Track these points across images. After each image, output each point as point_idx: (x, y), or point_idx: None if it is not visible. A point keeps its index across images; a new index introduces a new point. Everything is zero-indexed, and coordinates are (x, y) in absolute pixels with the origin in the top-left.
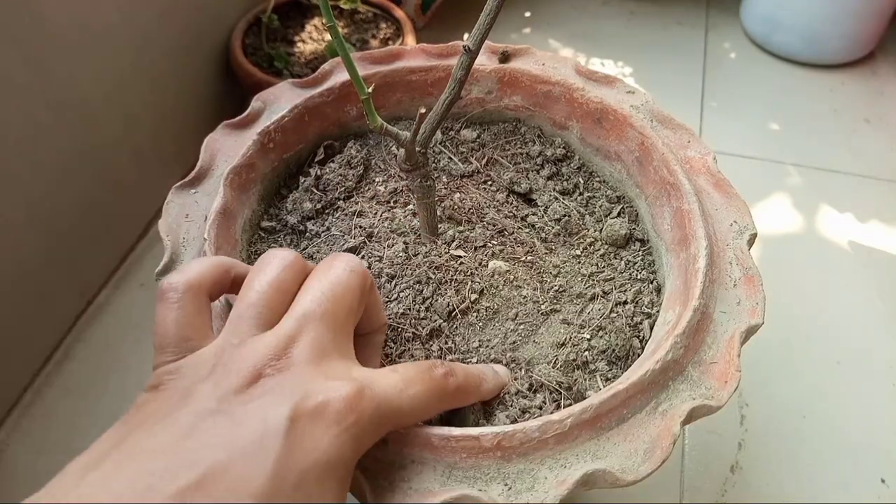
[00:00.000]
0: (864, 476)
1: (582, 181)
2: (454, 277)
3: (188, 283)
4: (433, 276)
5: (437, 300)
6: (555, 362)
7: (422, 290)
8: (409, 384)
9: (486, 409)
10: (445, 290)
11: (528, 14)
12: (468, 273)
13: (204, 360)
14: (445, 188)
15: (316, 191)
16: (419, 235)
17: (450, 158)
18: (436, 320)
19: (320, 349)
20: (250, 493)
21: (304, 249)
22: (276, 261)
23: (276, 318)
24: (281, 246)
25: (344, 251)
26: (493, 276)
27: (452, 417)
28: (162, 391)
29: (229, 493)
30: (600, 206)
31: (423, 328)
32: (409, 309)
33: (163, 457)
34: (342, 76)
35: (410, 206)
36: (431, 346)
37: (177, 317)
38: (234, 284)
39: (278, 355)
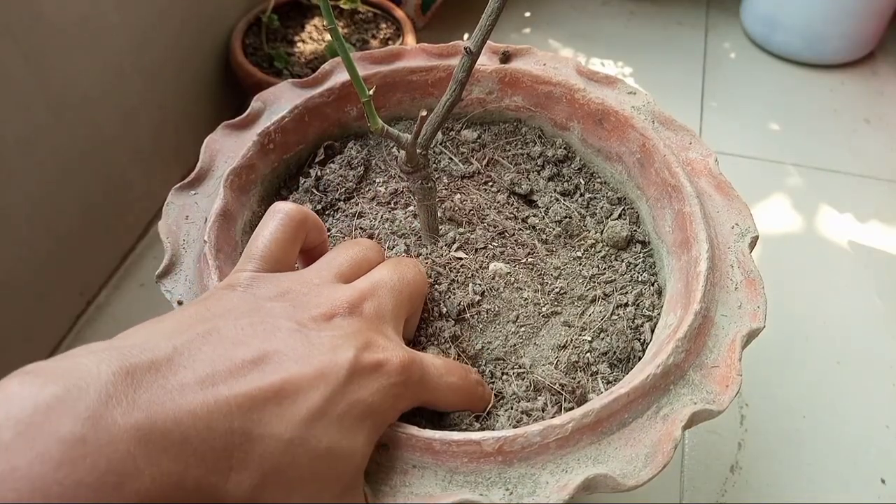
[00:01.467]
0: (864, 476)
1: (583, 182)
2: (455, 279)
3: (301, 212)
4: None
5: (448, 299)
6: (556, 364)
7: (433, 291)
8: (449, 373)
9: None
10: (453, 290)
11: (528, 14)
12: (469, 275)
13: (280, 283)
14: (446, 189)
15: (316, 192)
16: (420, 237)
17: (450, 159)
18: (443, 322)
19: (382, 313)
20: (308, 406)
21: None
22: (366, 242)
23: (351, 280)
24: None
25: None
26: (494, 278)
27: (443, 417)
28: (237, 293)
29: (292, 401)
30: (601, 208)
31: (439, 330)
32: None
33: (243, 348)
34: (342, 76)
35: (411, 208)
36: (448, 348)
37: (275, 233)
38: (314, 252)
39: (352, 305)
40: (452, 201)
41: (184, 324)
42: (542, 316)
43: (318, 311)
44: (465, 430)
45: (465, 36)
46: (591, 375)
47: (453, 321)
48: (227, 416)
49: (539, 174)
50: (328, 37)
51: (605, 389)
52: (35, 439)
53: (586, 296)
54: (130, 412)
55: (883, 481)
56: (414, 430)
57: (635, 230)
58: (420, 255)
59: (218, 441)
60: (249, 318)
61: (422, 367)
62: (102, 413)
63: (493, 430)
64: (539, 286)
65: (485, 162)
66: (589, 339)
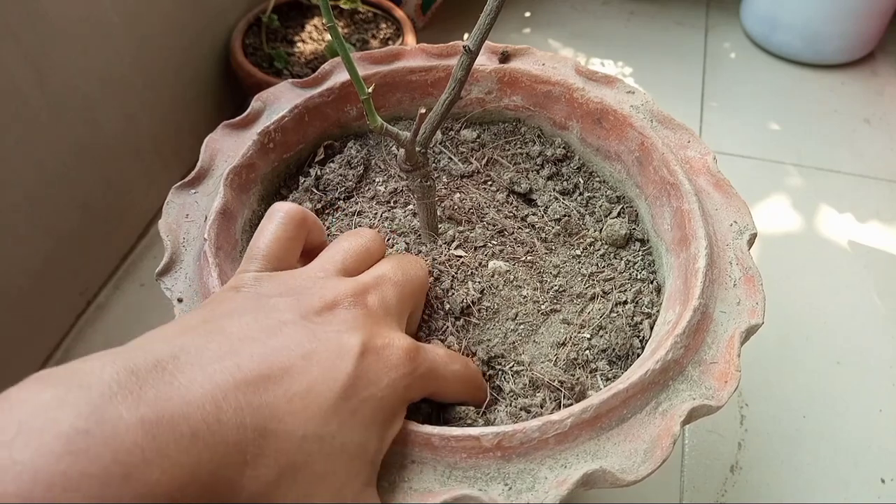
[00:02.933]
0: (864, 476)
1: (582, 181)
2: (455, 277)
3: (300, 212)
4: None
5: (451, 297)
6: (555, 361)
7: (431, 287)
8: (452, 361)
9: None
10: (455, 288)
11: (528, 14)
12: (469, 273)
13: (285, 280)
14: (445, 188)
15: (316, 191)
16: (419, 235)
17: (450, 158)
18: (447, 320)
19: (386, 307)
20: (319, 404)
21: None
22: (369, 233)
23: (354, 274)
24: None
25: None
26: (493, 275)
27: (448, 412)
28: (242, 293)
29: (302, 398)
30: (600, 206)
31: (442, 328)
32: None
33: (250, 344)
34: (342, 76)
35: (410, 207)
36: (451, 346)
37: (276, 233)
38: (314, 253)
39: (356, 296)
40: (452, 200)
41: (188, 326)
42: (542, 313)
43: (322, 304)
44: (467, 425)
45: (465, 36)
46: (591, 372)
47: (455, 318)
48: (237, 411)
49: (538, 173)
50: (328, 37)
51: (605, 386)
52: (35, 434)
53: (585, 293)
54: (136, 407)
55: (883, 481)
56: (413, 426)
57: (634, 228)
58: (420, 252)
59: (230, 435)
60: (254, 315)
61: (427, 357)
62: (106, 408)
63: (493, 425)
64: (538, 284)
65: (484, 161)
66: (588, 336)
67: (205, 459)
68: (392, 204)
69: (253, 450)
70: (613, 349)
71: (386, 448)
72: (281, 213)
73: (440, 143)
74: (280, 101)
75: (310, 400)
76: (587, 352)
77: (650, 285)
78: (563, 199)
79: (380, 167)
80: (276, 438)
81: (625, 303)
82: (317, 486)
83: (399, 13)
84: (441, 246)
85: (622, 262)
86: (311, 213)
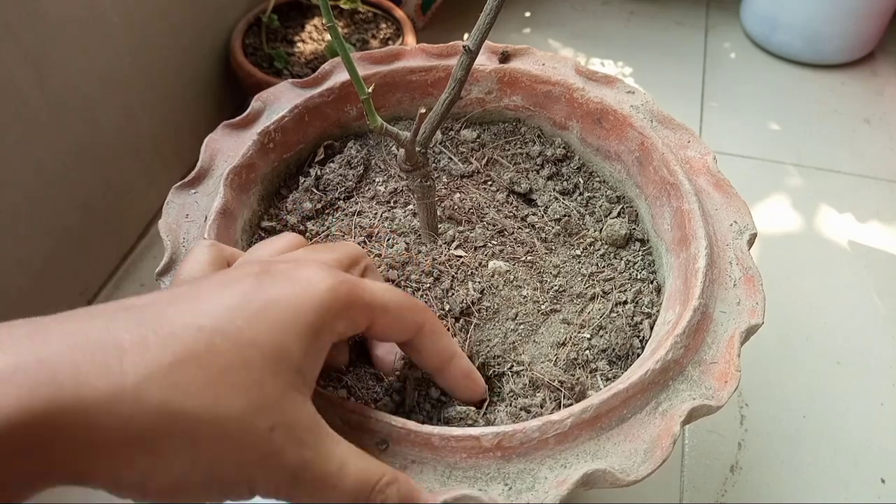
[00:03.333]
0: (864, 476)
1: (582, 181)
2: (455, 277)
3: (216, 242)
4: (436, 276)
5: (451, 296)
6: (555, 361)
7: (431, 287)
8: (387, 286)
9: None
10: (455, 288)
11: (528, 14)
12: (469, 273)
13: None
14: (445, 188)
15: (316, 191)
16: (419, 235)
17: (450, 158)
18: (444, 319)
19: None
20: (217, 304)
21: None
22: (288, 235)
23: None
24: None
25: None
26: (493, 275)
27: (449, 411)
28: None
29: (192, 300)
30: (600, 206)
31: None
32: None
33: (143, 298)
34: (342, 76)
35: (410, 206)
36: None
37: (199, 258)
38: None
39: (265, 262)
40: (452, 200)
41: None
42: (542, 313)
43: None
44: (467, 425)
45: (465, 36)
46: (591, 372)
47: (455, 319)
48: (104, 314)
49: (538, 173)
50: (328, 37)
51: (605, 386)
52: None
53: (585, 293)
54: None
55: (883, 481)
56: (413, 426)
57: (634, 228)
58: (420, 252)
59: (93, 330)
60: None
61: (348, 276)
62: None
63: (493, 425)
64: (538, 284)
65: (484, 161)
66: (588, 336)
67: (53, 341)
68: (392, 204)
69: (129, 337)
70: (613, 349)
71: (317, 364)
72: (201, 244)
73: (440, 143)
74: (280, 101)
75: (202, 302)
76: (587, 352)
77: (650, 285)
78: (563, 199)
79: (380, 167)
80: (162, 328)
81: (625, 303)
82: (229, 376)
83: (399, 13)
84: (441, 246)
85: (622, 262)
86: (229, 246)
